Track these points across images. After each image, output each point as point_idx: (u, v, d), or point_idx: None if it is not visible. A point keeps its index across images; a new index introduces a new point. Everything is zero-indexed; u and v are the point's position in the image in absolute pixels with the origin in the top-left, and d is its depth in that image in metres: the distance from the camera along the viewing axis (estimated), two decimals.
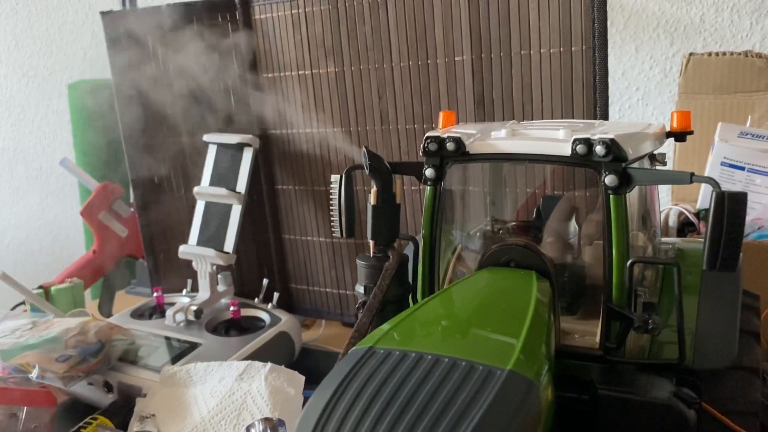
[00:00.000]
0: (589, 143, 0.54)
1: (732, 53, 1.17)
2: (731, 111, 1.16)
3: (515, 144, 0.58)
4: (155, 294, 1.00)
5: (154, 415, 0.73)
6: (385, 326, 0.49)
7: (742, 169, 1.02)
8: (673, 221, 1.03)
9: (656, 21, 1.34)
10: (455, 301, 0.55)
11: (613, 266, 0.55)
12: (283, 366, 0.74)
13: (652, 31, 1.35)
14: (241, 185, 0.98)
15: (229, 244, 0.97)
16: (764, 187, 1.00)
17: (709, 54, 1.18)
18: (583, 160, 0.54)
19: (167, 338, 0.89)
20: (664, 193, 1.20)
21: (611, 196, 0.54)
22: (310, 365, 0.91)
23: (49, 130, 2.01)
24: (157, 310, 0.99)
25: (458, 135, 0.59)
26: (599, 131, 0.56)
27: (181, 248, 0.99)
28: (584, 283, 0.64)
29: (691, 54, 1.19)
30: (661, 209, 0.99)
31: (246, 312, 0.98)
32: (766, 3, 1.27)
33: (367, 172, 0.63)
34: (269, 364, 0.74)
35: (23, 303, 1.03)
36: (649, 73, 1.37)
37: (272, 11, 0.98)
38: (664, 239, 0.75)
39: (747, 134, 1.04)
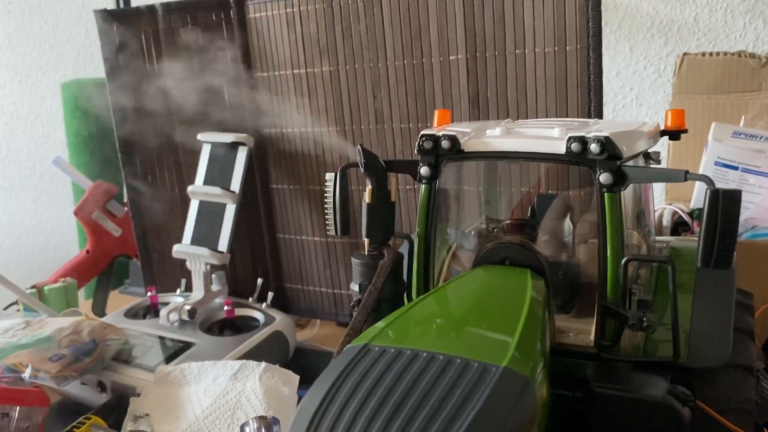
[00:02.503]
0: (584, 141, 0.54)
1: (725, 53, 1.17)
2: (725, 111, 1.16)
3: (510, 142, 0.58)
4: (149, 293, 1.00)
5: (148, 415, 0.73)
6: (380, 324, 0.49)
7: (736, 168, 1.02)
8: (666, 221, 1.03)
9: (650, 21, 1.34)
10: (450, 299, 0.55)
11: (608, 264, 0.55)
12: (277, 365, 0.74)
13: (646, 31, 1.35)
14: (236, 184, 0.97)
15: (224, 244, 0.96)
16: (758, 187, 1.00)
17: (703, 54, 1.18)
18: (578, 158, 0.54)
19: (161, 338, 0.89)
20: (657, 193, 1.21)
21: (606, 194, 0.54)
22: (305, 365, 0.91)
23: (42, 129, 2.00)
24: (151, 310, 0.99)
25: (453, 133, 0.59)
26: (594, 129, 0.56)
27: (175, 247, 0.98)
28: (579, 281, 0.64)
29: (684, 54, 1.19)
30: (654, 209, 0.99)
31: (240, 311, 0.98)
32: (760, 3, 1.27)
33: (362, 170, 0.63)
34: (263, 364, 0.73)
35: (16, 303, 1.02)
36: (643, 73, 1.38)
37: (266, 10, 0.98)
38: (657, 238, 0.75)
39: (740, 134, 1.04)
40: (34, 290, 1.00)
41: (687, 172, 0.51)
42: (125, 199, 1.16)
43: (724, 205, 0.48)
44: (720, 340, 0.58)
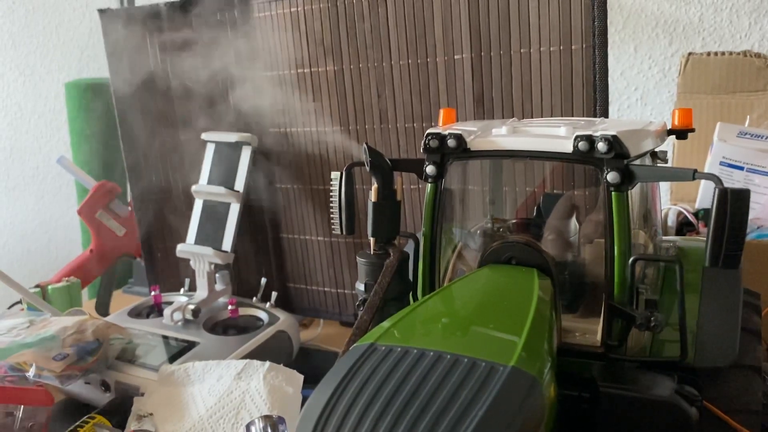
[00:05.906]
0: (591, 140, 0.53)
1: (731, 53, 1.17)
2: (730, 111, 1.16)
3: (517, 141, 0.58)
4: (153, 293, 1.00)
5: (151, 414, 0.73)
6: (386, 323, 0.49)
7: (741, 168, 1.02)
8: (671, 221, 1.03)
9: (655, 21, 1.34)
10: (457, 298, 0.55)
11: (615, 264, 0.55)
12: (281, 365, 0.74)
13: (651, 30, 1.35)
14: (240, 184, 0.97)
15: (227, 243, 0.96)
16: (763, 187, 1.00)
17: (708, 54, 1.18)
18: (585, 157, 0.54)
19: (165, 337, 0.89)
20: (662, 193, 1.20)
21: (613, 193, 0.54)
22: (309, 364, 0.91)
23: (46, 128, 2.00)
24: (155, 309, 0.99)
25: (459, 132, 0.59)
26: (601, 128, 0.56)
27: (179, 247, 0.98)
28: (585, 280, 0.64)
29: (689, 54, 1.19)
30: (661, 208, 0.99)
31: (244, 311, 0.97)
32: (765, 3, 1.27)
33: (367, 169, 0.62)
34: (268, 363, 0.73)
35: (20, 302, 1.02)
36: (648, 72, 1.37)
37: (271, 9, 0.98)
38: (664, 237, 0.75)
39: (746, 134, 1.04)
40: (37, 289, 1.00)
41: (695, 171, 0.51)
42: (129, 199, 1.16)
43: (733, 204, 0.48)
44: (727, 340, 0.57)
